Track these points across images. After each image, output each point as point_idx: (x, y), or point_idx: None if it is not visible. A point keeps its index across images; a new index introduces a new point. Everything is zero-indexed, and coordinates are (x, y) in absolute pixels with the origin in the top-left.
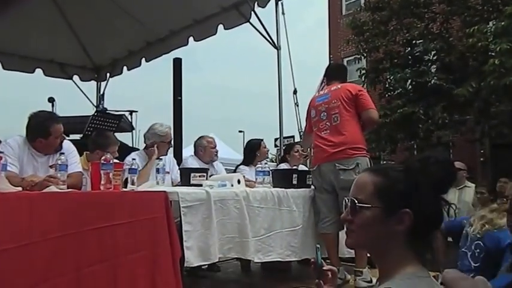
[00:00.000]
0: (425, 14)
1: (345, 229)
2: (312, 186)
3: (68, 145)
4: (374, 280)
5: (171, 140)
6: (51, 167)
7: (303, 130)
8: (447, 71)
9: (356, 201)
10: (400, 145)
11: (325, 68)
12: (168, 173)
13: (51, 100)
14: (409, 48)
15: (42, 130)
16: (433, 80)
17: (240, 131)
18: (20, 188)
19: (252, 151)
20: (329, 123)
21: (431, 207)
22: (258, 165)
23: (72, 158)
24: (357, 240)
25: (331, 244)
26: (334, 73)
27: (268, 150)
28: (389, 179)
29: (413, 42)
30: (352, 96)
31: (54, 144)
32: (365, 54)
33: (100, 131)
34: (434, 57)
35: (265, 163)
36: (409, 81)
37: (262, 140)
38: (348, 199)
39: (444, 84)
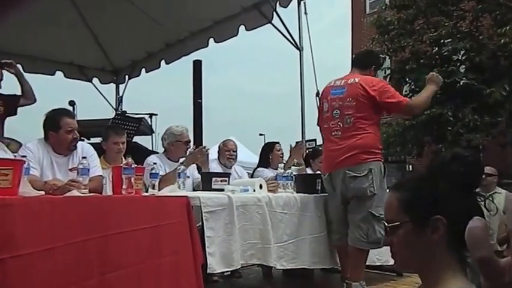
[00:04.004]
0: (453, 12)
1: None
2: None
3: (88, 148)
4: None
5: (188, 141)
6: (71, 170)
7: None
8: (477, 71)
9: (386, 224)
10: (427, 149)
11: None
12: (189, 177)
13: (72, 103)
14: (437, 48)
15: (53, 123)
16: (462, 81)
17: (261, 134)
18: (42, 192)
19: (266, 154)
20: (341, 124)
21: (463, 207)
22: (279, 170)
23: (93, 162)
24: (401, 261)
25: (343, 254)
26: (357, 59)
27: (282, 153)
28: (410, 190)
29: (441, 41)
30: (370, 96)
31: (65, 140)
32: (390, 54)
33: None
34: (464, 57)
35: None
36: None
37: (277, 143)
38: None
39: (474, 84)
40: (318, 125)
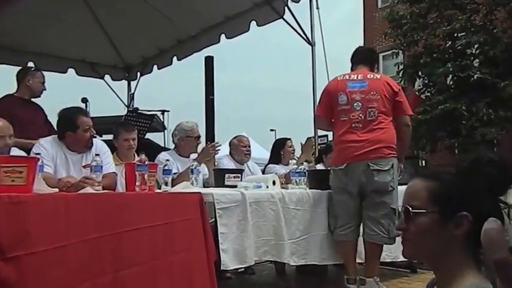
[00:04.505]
0: (467, 5)
1: (400, 239)
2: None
3: (101, 145)
4: None
5: (198, 136)
6: (84, 167)
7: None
8: (491, 65)
9: (410, 209)
10: (440, 144)
11: (352, 52)
12: (200, 172)
13: (84, 100)
14: (450, 42)
15: (70, 123)
16: (476, 75)
17: (272, 130)
18: (56, 189)
19: (277, 150)
20: (363, 116)
21: (487, 209)
22: (292, 165)
23: (106, 159)
24: (415, 249)
25: (350, 252)
26: (363, 55)
27: (293, 150)
28: (442, 183)
29: (455, 35)
30: (393, 92)
31: (83, 139)
32: (403, 49)
33: None
34: (478, 51)
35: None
36: (450, 76)
37: (288, 139)
38: (401, 208)
39: (488, 78)
40: (320, 115)
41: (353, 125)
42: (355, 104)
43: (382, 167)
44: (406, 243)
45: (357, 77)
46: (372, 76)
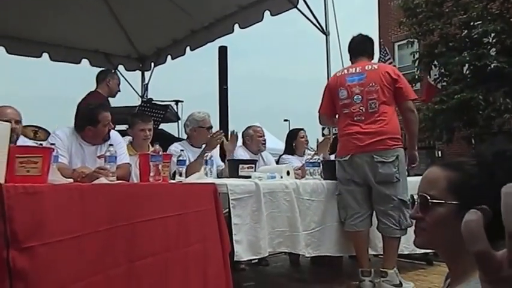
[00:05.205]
0: None
1: (414, 227)
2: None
3: (115, 136)
4: (405, 284)
5: (210, 127)
6: (99, 157)
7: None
8: (508, 54)
9: (428, 198)
10: (457, 134)
11: (348, 43)
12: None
13: None
14: (467, 31)
15: (91, 118)
16: (493, 64)
17: (285, 120)
18: (71, 180)
19: (290, 141)
20: (364, 109)
21: None
22: (305, 156)
23: (120, 149)
24: (430, 239)
25: (362, 243)
26: (362, 46)
27: (306, 140)
28: (463, 173)
29: (471, 23)
30: (392, 80)
31: (102, 133)
32: (418, 38)
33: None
34: (494, 40)
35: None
36: (467, 65)
37: (301, 129)
38: (417, 195)
39: (505, 67)
40: (323, 112)
41: (355, 118)
42: (355, 97)
43: (386, 159)
44: (420, 233)
45: (355, 70)
46: (369, 67)
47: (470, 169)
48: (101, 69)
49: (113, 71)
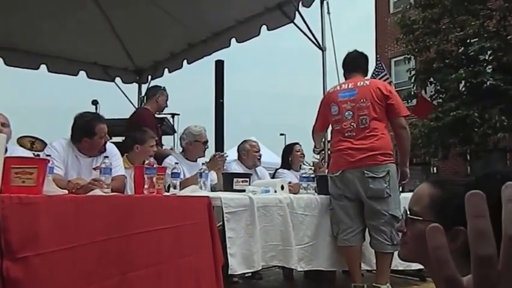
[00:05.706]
0: (480, 10)
1: (400, 240)
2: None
3: (111, 148)
4: None
5: (206, 141)
6: (95, 169)
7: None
8: (505, 71)
9: (409, 213)
10: (452, 150)
11: (343, 59)
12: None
13: (94, 103)
14: (463, 48)
15: (88, 130)
16: (489, 81)
17: (282, 134)
18: (66, 191)
19: (286, 156)
20: (355, 125)
21: None
22: (302, 171)
23: (116, 161)
24: (409, 253)
25: (355, 258)
26: (356, 62)
27: (302, 154)
28: (446, 193)
29: (468, 41)
30: (383, 96)
31: (98, 145)
32: (415, 54)
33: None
34: (491, 57)
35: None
36: (463, 82)
37: (296, 143)
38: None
39: (501, 85)
40: (316, 129)
41: (346, 134)
42: (346, 113)
43: (377, 174)
44: (403, 246)
45: (348, 86)
46: (361, 83)
47: (455, 188)
48: (152, 85)
49: (162, 87)
